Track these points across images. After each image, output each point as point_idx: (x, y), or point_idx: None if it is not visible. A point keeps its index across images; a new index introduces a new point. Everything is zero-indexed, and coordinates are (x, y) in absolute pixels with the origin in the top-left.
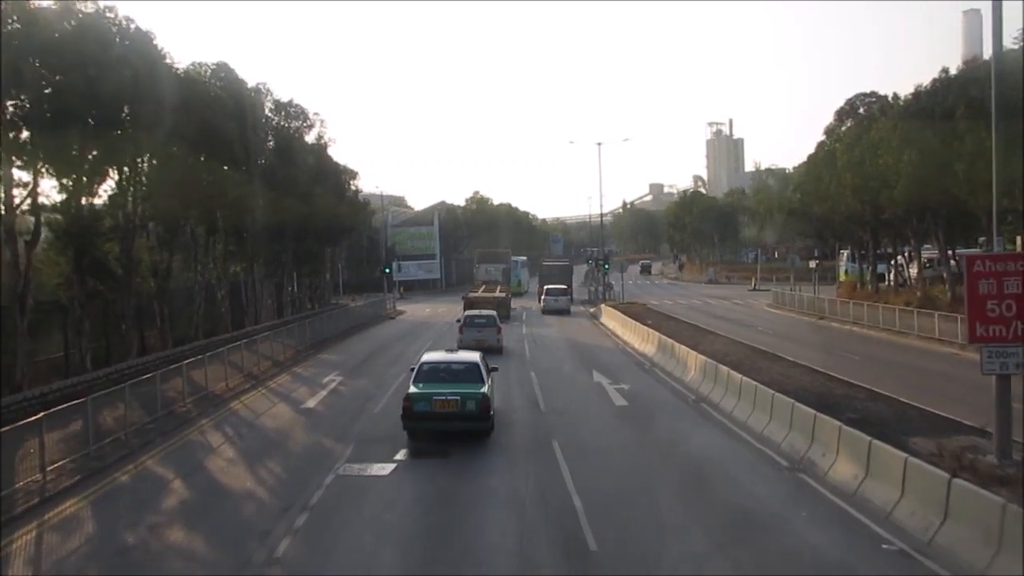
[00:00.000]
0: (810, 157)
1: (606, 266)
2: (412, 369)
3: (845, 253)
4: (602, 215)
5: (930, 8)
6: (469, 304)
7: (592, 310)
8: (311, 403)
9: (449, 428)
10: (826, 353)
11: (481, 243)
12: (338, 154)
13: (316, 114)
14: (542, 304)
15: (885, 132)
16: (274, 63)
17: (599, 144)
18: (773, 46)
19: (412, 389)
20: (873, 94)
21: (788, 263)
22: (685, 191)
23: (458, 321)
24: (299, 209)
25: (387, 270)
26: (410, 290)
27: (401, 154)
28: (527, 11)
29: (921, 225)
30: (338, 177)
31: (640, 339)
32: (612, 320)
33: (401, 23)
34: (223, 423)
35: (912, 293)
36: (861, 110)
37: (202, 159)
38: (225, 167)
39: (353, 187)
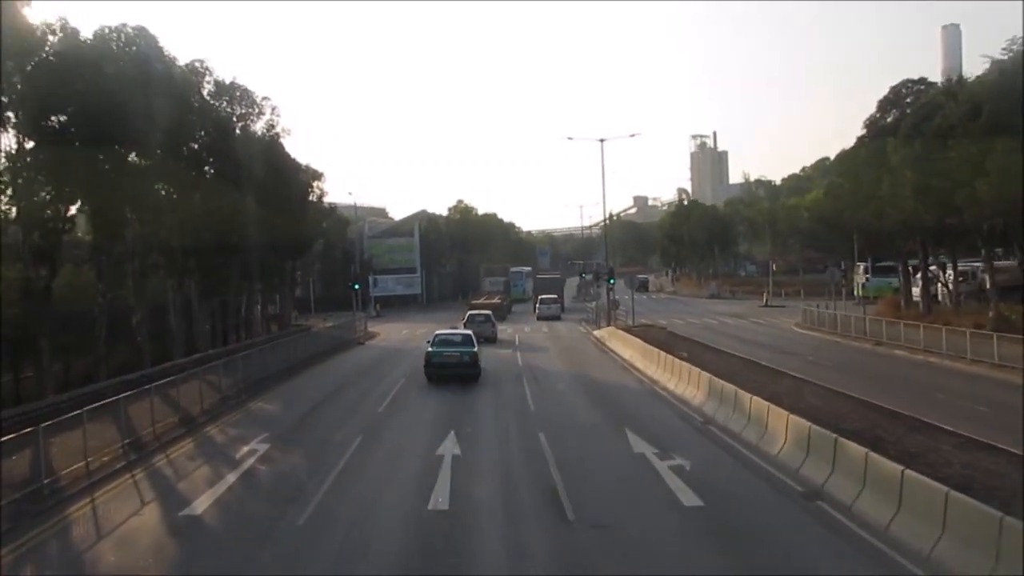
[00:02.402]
0: (845, 155)
1: (611, 281)
2: (428, 341)
3: (863, 266)
4: (606, 219)
5: (909, 24)
6: (472, 307)
7: (597, 333)
8: (201, 505)
9: (453, 372)
10: (935, 403)
11: (466, 256)
12: (308, 158)
13: (266, 99)
14: (537, 312)
15: (957, 118)
16: (250, 67)
17: (602, 141)
18: (755, 59)
19: (430, 349)
20: (922, 80)
21: (828, 277)
22: (681, 200)
23: (463, 320)
24: (245, 212)
25: (356, 287)
26: (388, 306)
27: (382, 165)
28: (506, 26)
29: (993, 232)
30: (296, 176)
31: (675, 377)
32: (628, 348)
33: (382, 36)
34: (28, 557)
35: (982, 313)
36: (908, 99)
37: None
38: (142, 159)
39: (318, 189)
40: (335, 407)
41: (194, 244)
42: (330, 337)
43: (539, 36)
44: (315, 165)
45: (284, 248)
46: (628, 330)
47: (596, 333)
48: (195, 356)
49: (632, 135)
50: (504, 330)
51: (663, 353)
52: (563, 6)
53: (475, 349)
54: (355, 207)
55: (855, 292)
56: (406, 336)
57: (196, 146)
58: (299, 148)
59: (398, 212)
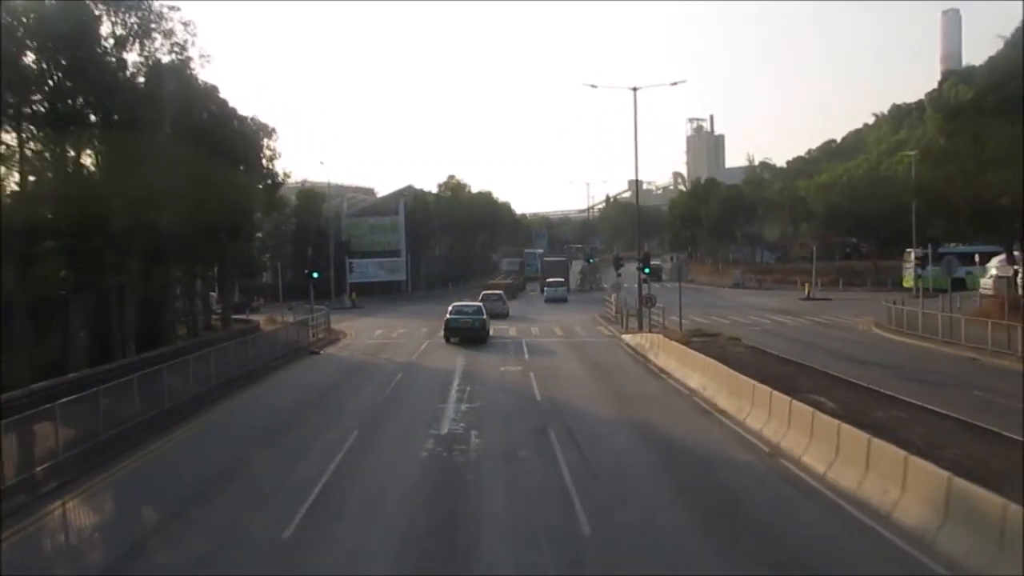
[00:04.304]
0: (958, 109)
1: (646, 270)
2: (449, 311)
3: (914, 253)
4: (637, 188)
5: (907, 8)
6: (487, 288)
7: (631, 340)
8: None
9: (466, 335)
10: None
11: (458, 238)
12: (284, 135)
13: (174, 8)
14: (545, 295)
15: None
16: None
17: (635, 89)
18: (751, 43)
19: (448, 317)
20: None
21: (942, 270)
22: (698, 179)
23: (480, 299)
24: (142, 173)
25: (314, 275)
26: (368, 295)
27: (370, 144)
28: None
29: None
30: (229, 126)
31: (827, 448)
32: (695, 371)
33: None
34: None
35: None
36: None
37: None
38: None
39: (267, 151)
40: (206, 522)
41: (61, 215)
42: (273, 343)
43: (528, 12)
44: (297, 142)
45: (211, 225)
46: (687, 342)
47: (629, 340)
48: (41, 384)
49: (674, 83)
50: (507, 330)
51: (781, 396)
52: None
53: (484, 317)
54: (328, 184)
55: (906, 283)
56: (380, 339)
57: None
58: (264, 112)
59: (386, 192)
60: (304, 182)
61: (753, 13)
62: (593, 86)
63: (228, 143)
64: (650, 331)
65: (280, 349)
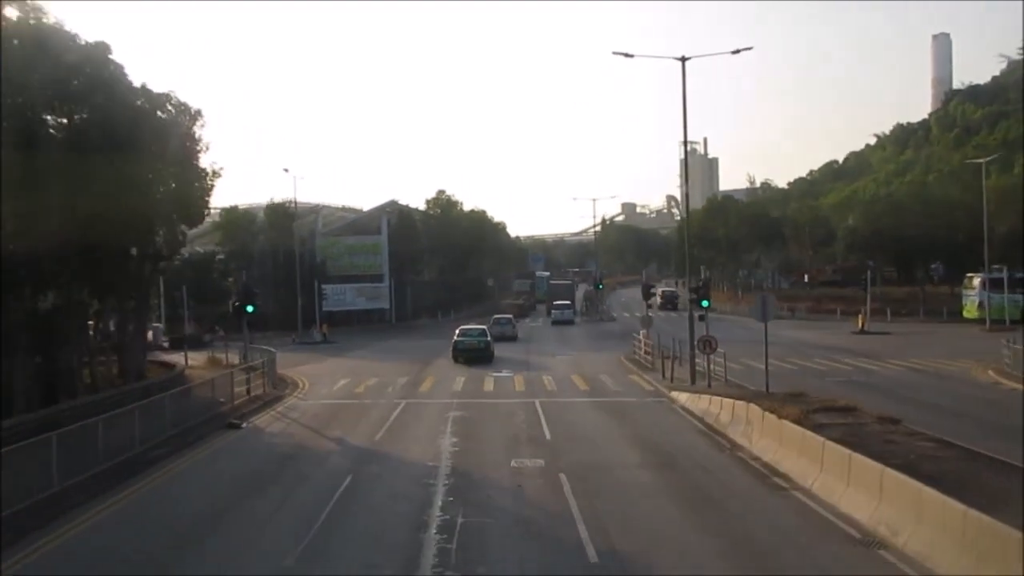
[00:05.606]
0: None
1: (705, 303)
2: (456, 334)
3: (978, 279)
4: (687, 200)
5: (897, 35)
6: (498, 311)
7: (689, 402)
8: None
9: (472, 355)
10: None
11: (449, 261)
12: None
13: None
14: (552, 316)
15: None
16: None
17: (683, 59)
18: (743, 68)
19: (456, 339)
20: None
21: None
22: (714, 195)
23: (491, 322)
24: None
25: (250, 309)
26: (344, 325)
27: (354, 160)
28: (484, 23)
29: None
30: (119, 97)
31: None
32: (863, 494)
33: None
34: None
35: None
36: None
37: None
38: None
39: (196, 138)
40: None
41: None
42: (166, 413)
43: (522, 33)
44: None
45: (86, 237)
46: (813, 424)
47: (686, 401)
48: None
49: (736, 51)
50: (512, 382)
51: None
52: (551, 6)
53: (489, 339)
54: (295, 201)
55: (967, 313)
56: (340, 395)
57: None
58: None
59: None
60: (272, 200)
61: (746, 37)
62: (628, 55)
63: (113, 121)
64: (710, 386)
65: (176, 423)
